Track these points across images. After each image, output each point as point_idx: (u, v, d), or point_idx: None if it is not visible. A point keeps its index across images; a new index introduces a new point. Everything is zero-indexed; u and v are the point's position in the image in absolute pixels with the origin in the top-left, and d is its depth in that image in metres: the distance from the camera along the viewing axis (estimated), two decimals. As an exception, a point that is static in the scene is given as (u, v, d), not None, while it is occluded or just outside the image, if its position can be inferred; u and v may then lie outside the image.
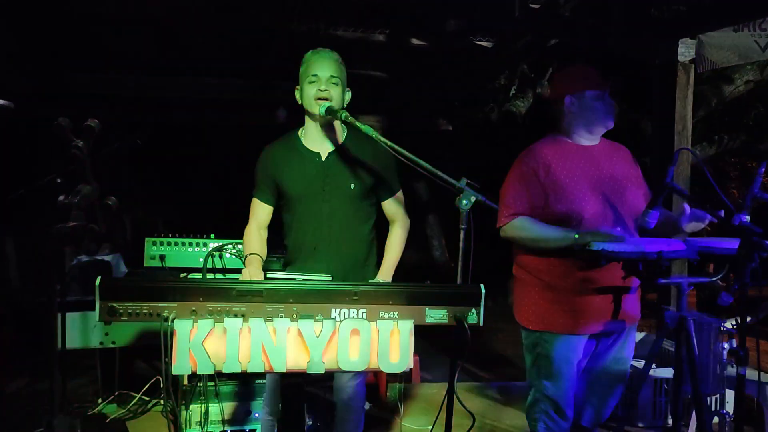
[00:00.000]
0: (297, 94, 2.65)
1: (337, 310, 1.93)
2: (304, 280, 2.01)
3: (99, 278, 1.87)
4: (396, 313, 1.96)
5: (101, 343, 3.85)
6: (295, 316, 1.91)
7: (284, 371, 1.89)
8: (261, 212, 2.69)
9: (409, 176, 2.67)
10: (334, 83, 2.55)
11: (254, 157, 2.79)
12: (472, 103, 7.74)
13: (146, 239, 3.33)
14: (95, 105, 6.38)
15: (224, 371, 1.87)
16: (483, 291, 1.99)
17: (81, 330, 3.88)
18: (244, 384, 3.51)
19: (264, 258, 2.56)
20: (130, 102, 6.32)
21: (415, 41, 5.47)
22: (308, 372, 1.90)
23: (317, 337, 1.89)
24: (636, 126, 6.31)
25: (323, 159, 2.64)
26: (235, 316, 1.89)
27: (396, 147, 2.32)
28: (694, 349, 2.43)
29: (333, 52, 2.62)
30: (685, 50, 4.24)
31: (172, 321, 1.85)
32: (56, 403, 1.64)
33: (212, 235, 3.41)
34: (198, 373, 1.86)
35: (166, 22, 4.80)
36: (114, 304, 1.87)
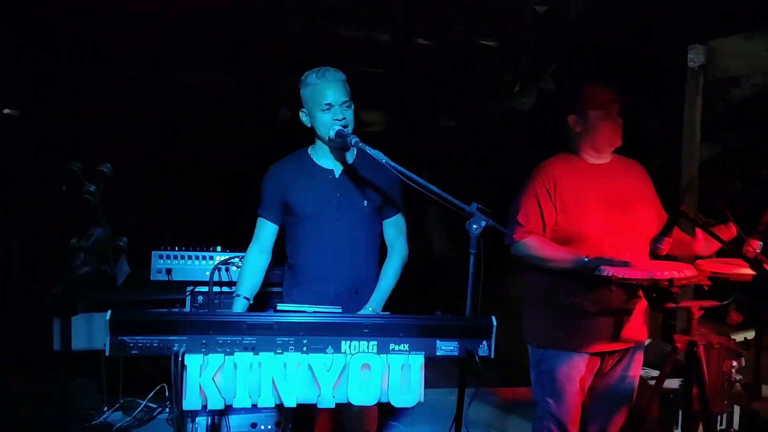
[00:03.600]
0: (303, 117, 2.62)
1: (348, 342, 1.93)
2: (314, 312, 2.00)
3: (109, 312, 1.86)
4: (407, 346, 1.96)
5: (105, 344, 3.85)
6: (305, 348, 1.90)
7: (294, 406, 1.89)
8: (266, 232, 2.68)
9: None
10: (347, 107, 2.53)
11: (258, 167, 2.77)
12: (475, 100, 7.71)
13: (152, 252, 3.32)
14: (88, 99, 6.36)
15: (234, 406, 1.86)
16: (494, 323, 1.98)
17: (86, 331, 3.88)
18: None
19: (251, 300, 2.58)
20: (124, 96, 6.28)
21: (419, 41, 5.45)
22: (318, 406, 1.90)
23: (327, 371, 1.89)
24: (643, 126, 6.27)
25: (336, 176, 2.63)
26: (245, 349, 1.88)
27: (407, 172, 2.31)
28: (704, 373, 2.42)
29: (337, 71, 2.60)
30: (695, 57, 4.20)
31: (183, 355, 1.84)
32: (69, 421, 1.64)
33: (218, 248, 3.40)
34: (209, 408, 1.86)
35: (167, 17, 4.77)
36: (124, 338, 1.87)
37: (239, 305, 2.56)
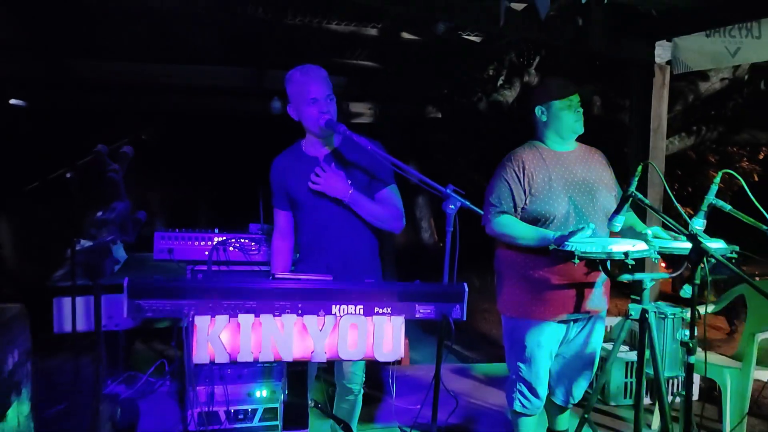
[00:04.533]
0: (291, 112, 2.88)
1: (338, 306, 2.19)
2: (307, 280, 2.26)
3: (126, 279, 2.12)
4: (389, 309, 2.22)
5: (105, 326, 4.09)
6: (300, 311, 2.17)
7: (291, 360, 2.16)
8: (282, 219, 2.99)
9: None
10: (330, 99, 2.79)
11: (253, 156, 3.03)
12: (460, 92, 7.95)
13: (155, 233, 3.57)
14: (97, 92, 6.58)
15: (239, 360, 2.13)
16: (466, 289, 2.26)
17: (85, 313, 4.11)
18: (246, 368, 3.77)
19: None
20: (131, 89, 6.50)
21: (405, 35, 5.68)
22: (312, 361, 2.17)
23: (320, 330, 2.16)
24: (617, 119, 6.56)
25: (321, 162, 2.88)
26: (248, 312, 2.14)
27: (389, 157, 2.57)
28: (655, 338, 2.71)
29: (319, 68, 2.84)
30: (662, 52, 4.48)
31: (193, 317, 2.10)
32: (99, 391, 1.89)
33: (216, 230, 3.65)
34: (216, 362, 2.12)
35: (165, 13, 4.99)
36: (140, 302, 2.12)
37: None
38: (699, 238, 2.25)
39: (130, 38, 5.59)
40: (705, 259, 2.21)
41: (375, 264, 3.01)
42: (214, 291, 2.15)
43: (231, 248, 3.57)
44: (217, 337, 2.11)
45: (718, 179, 2.61)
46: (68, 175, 3.07)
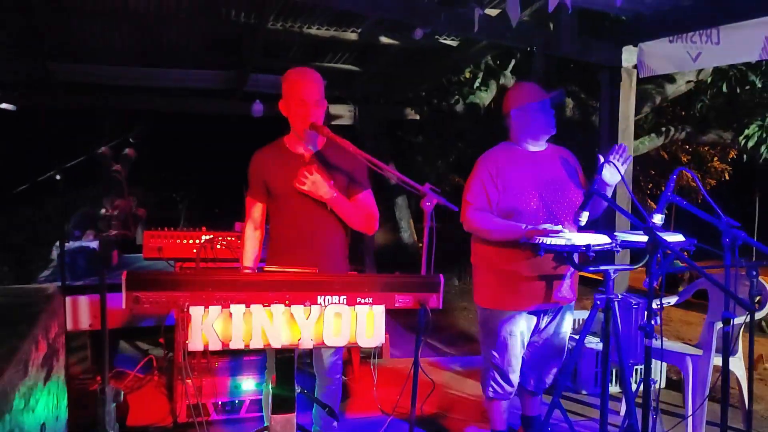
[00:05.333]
0: (282, 106, 3.02)
1: (323, 297, 2.35)
2: (295, 272, 2.42)
3: (125, 272, 2.26)
4: (371, 299, 2.39)
5: (90, 325, 4.20)
6: (288, 302, 2.33)
7: (279, 347, 2.32)
8: (255, 210, 3.10)
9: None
10: (319, 104, 2.94)
11: (236, 157, 3.17)
12: (438, 94, 8.15)
13: (145, 233, 3.71)
14: (80, 95, 6.67)
15: (231, 347, 2.28)
16: (442, 280, 2.43)
17: (71, 313, 4.21)
18: (232, 361, 3.92)
19: (255, 264, 3.01)
20: (115, 91, 6.60)
21: (384, 39, 5.86)
22: (300, 348, 2.33)
23: (306, 319, 2.32)
24: (589, 120, 6.80)
25: (306, 161, 3.04)
26: (239, 302, 2.30)
27: (369, 158, 2.74)
28: (618, 326, 2.91)
29: (315, 73, 2.99)
30: (629, 57, 4.70)
31: (188, 307, 2.25)
32: (105, 375, 2.03)
33: (203, 228, 3.80)
34: (210, 349, 2.27)
35: (148, 17, 5.11)
36: (138, 294, 2.26)
37: None
38: (655, 231, 2.44)
39: (114, 41, 5.70)
40: (660, 250, 2.40)
41: (345, 262, 3.17)
42: (207, 283, 2.30)
43: (218, 246, 3.71)
44: (210, 326, 2.26)
45: (674, 177, 2.81)
46: (57, 176, 3.19)
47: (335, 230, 3.08)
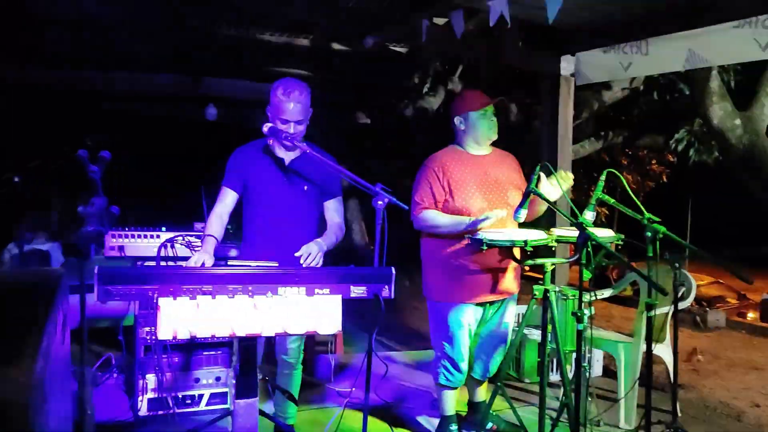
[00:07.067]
0: (268, 114, 3.21)
1: (284, 288, 2.54)
2: (257, 266, 2.60)
3: (97, 267, 2.40)
4: (328, 290, 2.59)
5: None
6: (251, 293, 2.51)
7: (244, 335, 2.49)
8: (228, 198, 3.28)
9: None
10: (300, 123, 3.17)
11: (191, 154, 3.34)
12: (388, 100, 8.38)
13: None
14: (39, 99, 6.65)
15: (198, 336, 2.44)
16: (393, 272, 2.65)
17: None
18: (192, 356, 4.04)
19: (219, 240, 3.15)
20: (73, 95, 6.60)
21: (336, 46, 6.05)
22: (262, 335, 2.51)
23: (269, 309, 2.50)
24: (532, 125, 7.13)
25: (286, 164, 3.26)
26: (205, 294, 2.46)
27: (343, 169, 2.98)
28: (555, 316, 3.18)
29: (303, 93, 3.17)
30: (567, 66, 5.02)
31: (157, 299, 2.41)
32: (84, 359, 2.17)
33: (163, 228, 3.92)
34: (178, 338, 2.43)
35: (107, 22, 5.19)
36: (109, 287, 2.41)
37: (210, 242, 3.10)
38: (585, 226, 2.71)
39: (72, 46, 5.74)
40: (589, 243, 2.67)
41: None
42: (175, 276, 2.46)
43: (178, 245, 3.84)
44: (178, 316, 2.42)
45: (603, 177, 3.09)
46: (16, 179, 3.29)
47: (308, 228, 3.30)
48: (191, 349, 3.94)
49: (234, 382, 2.76)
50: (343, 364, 5.09)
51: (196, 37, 5.65)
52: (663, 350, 4.12)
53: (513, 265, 3.43)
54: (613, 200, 3.08)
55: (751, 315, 7.39)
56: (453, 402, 3.65)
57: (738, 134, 5.91)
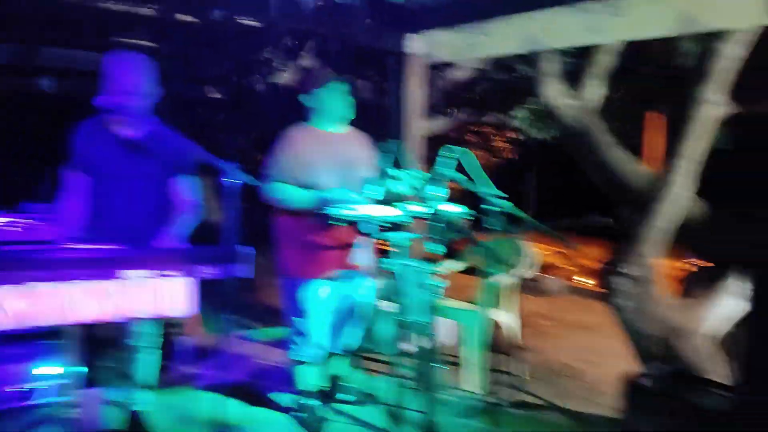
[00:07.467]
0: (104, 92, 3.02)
1: (133, 271, 2.42)
2: (102, 248, 2.46)
3: None
4: (177, 272, 2.50)
5: None
6: (92, 277, 2.37)
7: (86, 323, 2.36)
8: (78, 182, 3.12)
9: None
10: (141, 98, 3.04)
11: (26, 135, 3.11)
12: (239, 74, 8.17)
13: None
14: None
15: (32, 326, 2.27)
16: (247, 251, 2.61)
17: None
18: (26, 347, 3.75)
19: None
20: None
21: (182, 17, 5.79)
22: (110, 321, 2.38)
23: (112, 293, 2.38)
24: (384, 103, 7.24)
25: (132, 142, 3.11)
26: (38, 280, 2.29)
27: (195, 147, 2.88)
28: (407, 289, 3.29)
29: (139, 65, 3.06)
30: (413, 44, 5.13)
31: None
32: None
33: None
34: (1, 329, 2.23)
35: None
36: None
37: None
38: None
39: None
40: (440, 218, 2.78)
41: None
42: (4, 261, 2.27)
43: (12, 228, 3.55)
44: (2, 305, 2.22)
45: (444, 153, 3.21)
46: None
47: (153, 208, 3.19)
48: (25, 339, 3.65)
49: (75, 372, 2.61)
50: (201, 347, 4.96)
51: (26, 2, 5.17)
52: (505, 316, 4.39)
53: (366, 239, 3.50)
54: (461, 176, 3.19)
55: (589, 281, 8.06)
56: (311, 377, 3.68)
57: (571, 114, 6.34)
